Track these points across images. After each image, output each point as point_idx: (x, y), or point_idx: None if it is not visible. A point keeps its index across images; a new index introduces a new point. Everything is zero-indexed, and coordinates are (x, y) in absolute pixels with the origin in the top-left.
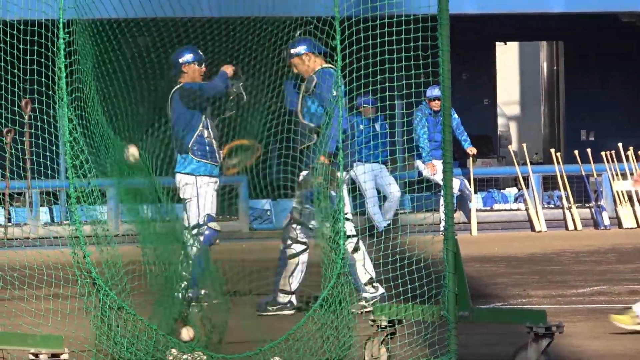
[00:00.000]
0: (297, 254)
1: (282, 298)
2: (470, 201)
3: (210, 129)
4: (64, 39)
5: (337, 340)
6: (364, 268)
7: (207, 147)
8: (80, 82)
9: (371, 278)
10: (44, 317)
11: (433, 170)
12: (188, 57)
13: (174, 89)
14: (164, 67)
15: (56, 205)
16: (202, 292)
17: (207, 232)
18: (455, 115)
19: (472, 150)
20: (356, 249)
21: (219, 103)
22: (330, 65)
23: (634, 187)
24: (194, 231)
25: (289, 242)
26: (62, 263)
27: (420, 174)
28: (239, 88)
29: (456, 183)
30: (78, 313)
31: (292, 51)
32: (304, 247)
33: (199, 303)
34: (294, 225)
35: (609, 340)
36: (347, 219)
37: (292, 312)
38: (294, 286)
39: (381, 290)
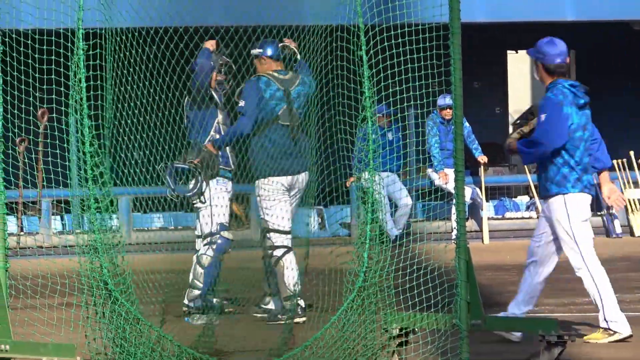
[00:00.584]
0: (280, 258)
1: (289, 305)
2: (482, 209)
3: (222, 133)
4: (83, 49)
5: (355, 352)
6: (284, 282)
7: (220, 152)
8: (104, 90)
9: (292, 295)
10: (56, 326)
11: (445, 178)
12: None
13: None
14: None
15: (68, 214)
16: (215, 300)
17: (219, 241)
18: (467, 124)
19: (483, 158)
20: (278, 261)
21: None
22: (268, 74)
23: None
24: (207, 240)
25: (269, 251)
26: (75, 272)
27: (432, 182)
28: (224, 59)
29: (468, 191)
30: (91, 322)
31: (252, 52)
32: (284, 249)
33: (212, 311)
34: (267, 235)
35: (620, 348)
36: (279, 231)
37: (304, 318)
38: (293, 288)
39: (297, 311)
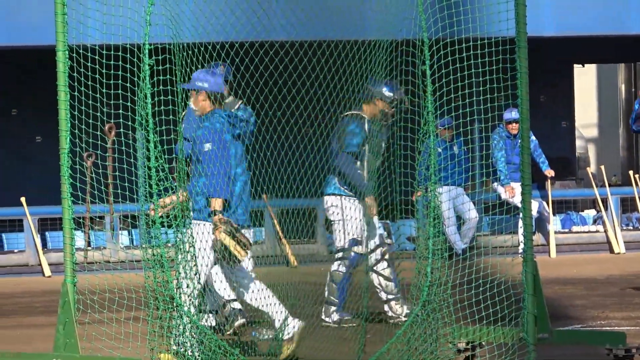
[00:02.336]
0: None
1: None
2: (549, 223)
3: None
4: (149, 65)
5: None
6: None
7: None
8: (176, 105)
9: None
10: (123, 340)
11: (512, 193)
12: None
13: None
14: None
15: (135, 229)
16: (346, 317)
17: (352, 255)
18: (533, 138)
19: (550, 172)
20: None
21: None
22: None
23: None
24: (339, 254)
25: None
26: (142, 286)
27: (499, 196)
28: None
29: (535, 205)
30: (158, 336)
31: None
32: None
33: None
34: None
35: None
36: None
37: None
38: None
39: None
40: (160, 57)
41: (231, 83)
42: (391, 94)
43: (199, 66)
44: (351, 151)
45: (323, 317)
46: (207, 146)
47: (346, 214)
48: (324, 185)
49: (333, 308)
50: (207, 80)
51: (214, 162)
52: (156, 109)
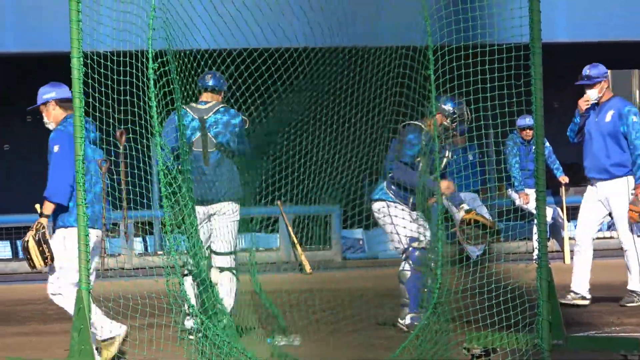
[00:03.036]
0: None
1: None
2: (564, 229)
3: None
4: (153, 69)
5: None
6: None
7: None
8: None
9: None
10: (138, 346)
11: (526, 199)
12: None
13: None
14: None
15: (150, 236)
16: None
17: (415, 253)
18: (547, 144)
19: (564, 179)
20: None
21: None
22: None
23: None
24: (403, 255)
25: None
26: (157, 292)
27: (513, 202)
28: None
29: (549, 211)
30: (172, 341)
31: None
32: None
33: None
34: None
35: None
36: (217, 253)
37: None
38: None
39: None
40: (163, 61)
41: (216, 89)
42: (452, 109)
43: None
44: (405, 161)
45: (399, 319)
46: (56, 148)
47: (394, 218)
48: (373, 190)
49: (406, 310)
50: (53, 91)
51: (59, 165)
52: (163, 113)
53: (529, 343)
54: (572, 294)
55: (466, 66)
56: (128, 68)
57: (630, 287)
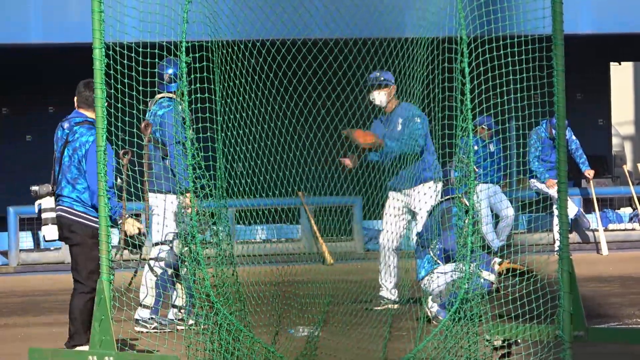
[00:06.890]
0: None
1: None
2: (589, 224)
3: None
4: (186, 62)
5: None
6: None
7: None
8: (213, 103)
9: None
10: (159, 337)
11: (553, 186)
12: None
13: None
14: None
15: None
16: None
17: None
18: (574, 138)
19: (590, 173)
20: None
21: None
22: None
23: None
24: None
25: None
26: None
27: (538, 193)
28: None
29: (572, 211)
30: (194, 333)
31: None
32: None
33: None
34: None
35: None
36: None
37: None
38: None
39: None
40: (197, 55)
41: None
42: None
43: (239, 63)
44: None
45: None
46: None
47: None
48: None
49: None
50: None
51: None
52: (193, 106)
53: (550, 335)
54: None
55: (490, 59)
56: (157, 60)
57: None
